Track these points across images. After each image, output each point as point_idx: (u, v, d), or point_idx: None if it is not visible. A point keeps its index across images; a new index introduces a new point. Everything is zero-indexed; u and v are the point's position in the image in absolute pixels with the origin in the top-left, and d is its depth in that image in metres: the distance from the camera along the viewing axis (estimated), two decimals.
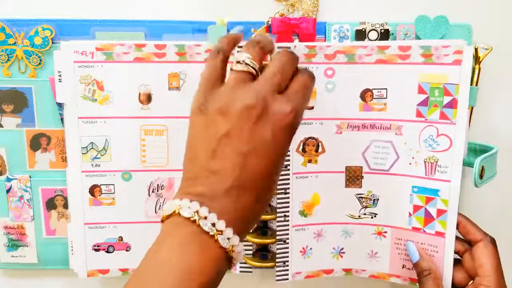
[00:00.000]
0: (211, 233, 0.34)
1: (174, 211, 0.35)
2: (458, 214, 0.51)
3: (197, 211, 0.34)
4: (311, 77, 0.40)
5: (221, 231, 0.34)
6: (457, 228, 0.51)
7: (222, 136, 0.36)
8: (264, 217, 0.53)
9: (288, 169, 0.52)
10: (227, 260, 0.35)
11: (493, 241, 0.50)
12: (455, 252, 0.51)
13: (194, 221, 0.34)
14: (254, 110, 0.36)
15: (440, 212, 0.51)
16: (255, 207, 0.37)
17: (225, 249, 0.35)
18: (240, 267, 0.55)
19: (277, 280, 0.54)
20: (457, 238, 0.51)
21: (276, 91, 0.38)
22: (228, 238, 0.35)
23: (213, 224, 0.34)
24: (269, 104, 0.37)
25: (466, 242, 0.51)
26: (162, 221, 0.36)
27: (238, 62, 0.39)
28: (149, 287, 0.33)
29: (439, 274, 0.51)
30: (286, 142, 0.38)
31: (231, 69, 0.39)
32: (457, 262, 0.51)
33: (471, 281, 0.50)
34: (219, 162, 0.36)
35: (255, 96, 0.36)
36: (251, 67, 0.39)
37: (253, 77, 0.39)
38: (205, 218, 0.34)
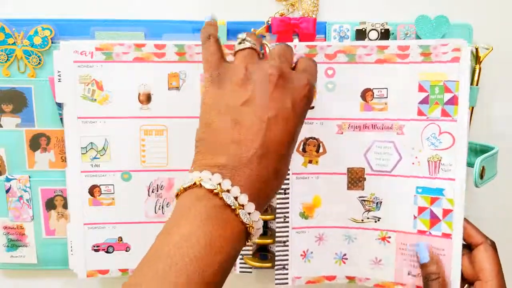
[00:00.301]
0: (233, 207, 0.33)
1: (195, 183, 0.33)
2: None
3: (219, 184, 0.33)
4: (312, 59, 0.41)
5: (243, 205, 0.33)
6: None
7: (242, 105, 0.36)
8: (263, 217, 0.53)
9: (288, 169, 0.52)
10: (246, 236, 0.34)
11: (493, 245, 0.49)
12: None
13: (217, 194, 0.33)
14: (274, 78, 0.36)
15: (446, 212, 0.50)
16: (274, 181, 0.36)
17: (246, 224, 0.33)
18: (240, 267, 0.55)
19: (276, 284, 0.54)
20: None
21: (289, 66, 0.39)
22: (249, 213, 0.34)
23: (235, 198, 0.33)
24: (286, 75, 0.37)
25: (464, 246, 0.50)
26: (177, 195, 0.35)
27: (240, 42, 0.40)
28: (172, 261, 0.31)
29: (447, 280, 0.49)
30: (303, 113, 0.38)
31: (235, 51, 0.40)
32: None
33: (466, 285, 0.50)
34: (240, 131, 0.35)
35: (273, 67, 0.37)
36: (253, 43, 0.39)
37: (257, 53, 0.40)
38: (228, 191, 0.33)
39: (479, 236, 0.49)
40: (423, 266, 0.49)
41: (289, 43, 0.50)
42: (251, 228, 0.34)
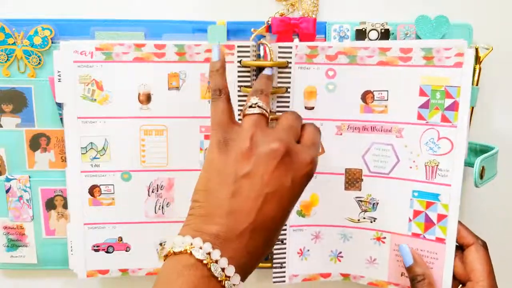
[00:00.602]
0: (220, 278, 0.34)
1: (186, 250, 0.35)
2: None
3: (209, 253, 0.34)
4: (318, 129, 0.43)
5: (229, 277, 0.35)
6: None
7: (242, 177, 0.37)
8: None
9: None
10: None
11: (484, 245, 0.49)
12: None
13: (206, 264, 0.34)
14: (279, 155, 0.37)
15: (441, 217, 0.50)
16: (263, 250, 0.37)
17: None
18: None
19: (274, 282, 0.54)
20: None
21: (295, 139, 0.40)
22: (234, 285, 0.35)
23: (223, 269, 0.34)
24: (292, 151, 0.38)
25: (456, 247, 0.50)
26: (166, 256, 0.36)
27: (250, 106, 0.40)
28: None
29: (434, 281, 0.49)
30: (302, 190, 0.39)
31: (244, 114, 0.41)
32: None
33: (460, 286, 0.50)
34: (237, 203, 0.36)
35: (279, 141, 0.38)
36: (264, 109, 0.40)
37: (267, 119, 0.41)
38: (216, 262, 0.34)
39: (470, 237, 0.49)
40: (408, 269, 0.50)
41: (289, 43, 0.50)
42: None
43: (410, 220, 0.51)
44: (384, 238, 0.53)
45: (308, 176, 0.39)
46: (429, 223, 0.50)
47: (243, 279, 0.36)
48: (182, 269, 0.34)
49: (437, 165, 0.49)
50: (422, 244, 0.51)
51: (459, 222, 0.50)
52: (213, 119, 0.41)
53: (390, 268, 0.53)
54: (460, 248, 0.50)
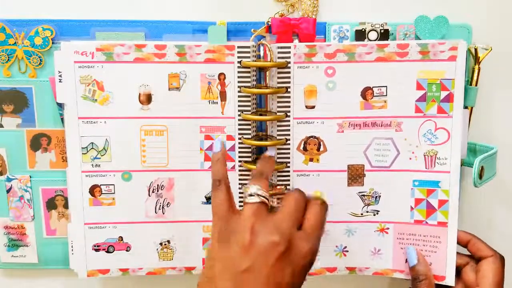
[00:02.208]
0: None
1: None
2: (468, 233, 0.52)
3: None
4: (323, 209, 0.43)
5: None
6: (467, 246, 0.52)
7: (243, 272, 0.37)
8: None
9: (288, 167, 0.52)
10: None
11: (502, 259, 0.50)
12: (456, 266, 0.52)
13: None
14: (279, 248, 0.37)
15: (442, 202, 0.52)
16: None
17: None
18: None
19: None
20: (458, 253, 0.52)
21: (297, 226, 0.40)
22: None
23: None
24: (293, 242, 0.38)
25: (467, 257, 0.52)
26: None
27: (250, 195, 0.41)
28: None
29: (433, 283, 0.51)
30: (302, 280, 0.39)
31: (245, 202, 0.41)
32: (456, 275, 0.52)
33: None
34: None
35: (279, 233, 0.38)
36: (263, 197, 0.41)
37: (267, 206, 0.41)
38: None
39: (489, 250, 0.51)
40: (412, 268, 0.51)
41: (289, 44, 0.50)
42: None
43: (412, 208, 0.53)
44: (388, 228, 0.54)
45: (308, 265, 0.40)
46: (430, 209, 0.52)
47: None
48: None
49: (436, 154, 0.51)
50: (425, 230, 0.52)
51: (478, 238, 0.52)
52: (213, 208, 0.42)
53: (394, 256, 0.54)
54: (477, 260, 0.51)
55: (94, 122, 0.52)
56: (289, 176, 0.53)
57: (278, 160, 0.53)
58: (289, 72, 0.51)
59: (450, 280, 0.52)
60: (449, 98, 0.51)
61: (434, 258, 0.52)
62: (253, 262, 0.37)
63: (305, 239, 0.40)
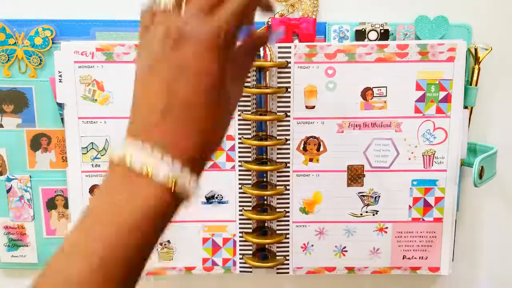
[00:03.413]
0: (143, 173, 0.29)
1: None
2: None
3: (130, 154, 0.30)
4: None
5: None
6: None
7: (146, 70, 0.32)
8: (263, 217, 0.53)
9: (288, 167, 0.53)
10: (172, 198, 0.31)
11: None
12: None
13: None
14: (170, 38, 0.31)
15: (438, 199, 0.53)
16: (194, 138, 0.31)
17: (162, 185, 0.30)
18: (240, 267, 0.55)
19: (277, 273, 0.55)
20: None
21: (202, 11, 0.32)
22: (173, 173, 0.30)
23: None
24: (183, 27, 0.31)
25: None
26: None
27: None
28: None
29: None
30: (212, 65, 0.32)
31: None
32: None
33: None
34: (146, 95, 0.32)
35: (167, 24, 0.32)
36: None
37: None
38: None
39: None
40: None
41: (289, 44, 0.50)
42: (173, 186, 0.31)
43: (410, 207, 0.54)
44: (386, 228, 0.54)
45: (214, 47, 0.31)
46: (427, 207, 0.54)
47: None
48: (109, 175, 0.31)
49: (434, 154, 0.52)
50: (421, 227, 0.54)
51: None
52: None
53: (392, 254, 0.55)
54: None
55: (94, 122, 0.52)
56: (289, 176, 0.53)
57: (278, 160, 0.53)
58: (289, 72, 0.51)
59: (445, 271, 0.54)
60: (447, 99, 0.51)
61: (430, 251, 0.54)
62: (153, 57, 0.32)
63: (203, 21, 0.31)
